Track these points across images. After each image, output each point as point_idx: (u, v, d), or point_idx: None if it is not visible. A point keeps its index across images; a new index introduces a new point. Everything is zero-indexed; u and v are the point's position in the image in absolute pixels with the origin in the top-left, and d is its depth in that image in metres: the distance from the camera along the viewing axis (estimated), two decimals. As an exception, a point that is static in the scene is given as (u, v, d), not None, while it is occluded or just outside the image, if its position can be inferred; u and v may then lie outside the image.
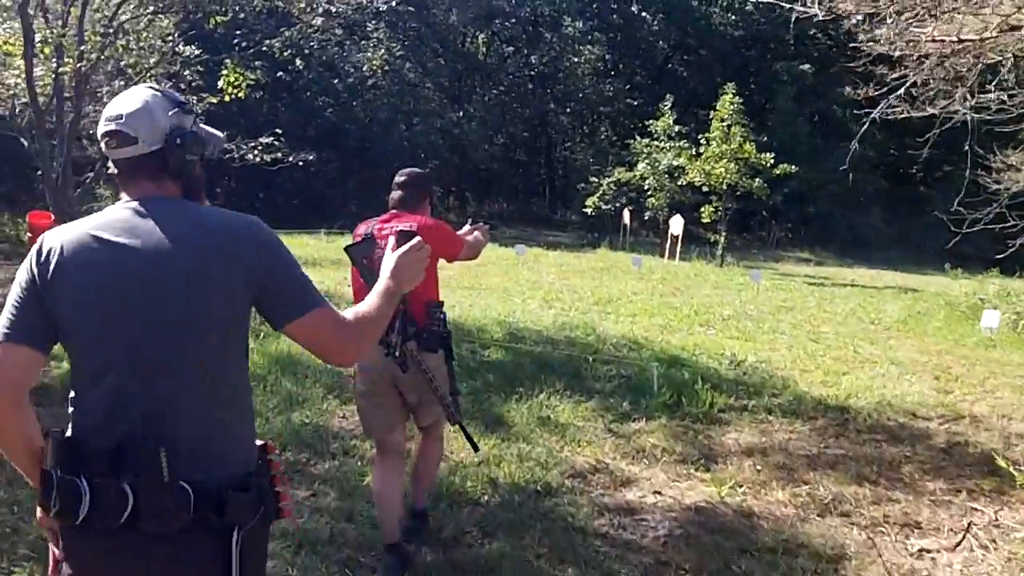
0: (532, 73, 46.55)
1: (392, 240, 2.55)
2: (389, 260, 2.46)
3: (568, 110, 48.01)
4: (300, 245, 21.05)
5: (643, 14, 48.51)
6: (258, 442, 2.31)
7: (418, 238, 2.53)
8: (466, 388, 7.94)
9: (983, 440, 7.49)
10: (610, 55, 48.66)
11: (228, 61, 14.16)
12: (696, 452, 6.63)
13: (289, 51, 14.93)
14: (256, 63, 14.86)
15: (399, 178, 4.57)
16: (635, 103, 46.27)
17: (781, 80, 41.93)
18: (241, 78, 13.95)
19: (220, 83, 14.20)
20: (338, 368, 7.38)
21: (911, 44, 13.73)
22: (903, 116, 17.41)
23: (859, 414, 8.03)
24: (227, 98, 14.19)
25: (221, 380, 2.19)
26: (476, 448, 5.05)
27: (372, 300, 2.37)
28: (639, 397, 8.07)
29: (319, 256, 17.89)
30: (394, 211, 4.48)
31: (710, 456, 6.58)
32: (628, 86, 48.19)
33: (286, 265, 2.23)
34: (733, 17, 47.58)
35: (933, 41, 13.89)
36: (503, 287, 15.75)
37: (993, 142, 20.13)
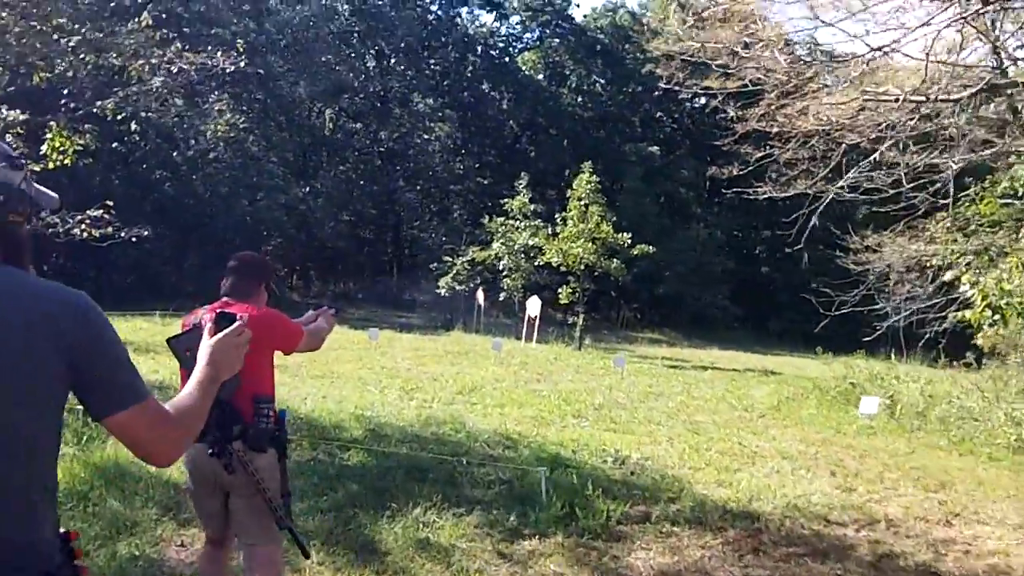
0: (381, 149, 45.68)
1: (209, 324, 2.33)
2: (205, 347, 2.27)
3: (418, 188, 47.30)
4: (134, 329, 19.31)
5: (492, 93, 48.55)
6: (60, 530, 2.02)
7: (238, 321, 2.34)
8: (326, 502, 6.81)
9: (909, 549, 6.76)
10: (460, 133, 48.32)
11: (53, 124, 12.66)
12: (605, 582, 5.62)
13: (123, 114, 13.46)
14: (86, 127, 13.31)
15: (232, 263, 4.25)
16: (485, 182, 46.01)
17: (630, 161, 42.40)
18: (68, 143, 12.48)
19: (44, 148, 12.70)
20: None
21: (789, 120, 13.46)
22: (765, 196, 17.32)
23: (770, 522, 7.20)
24: (51, 165, 12.68)
25: (43, 463, 1.94)
26: (307, 555, 4.40)
27: (190, 391, 2.16)
28: (526, 508, 7.04)
29: (153, 341, 16.20)
30: (225, 299, 4.11)
31: (622, 586, 5.59)
32: (478, 165, 47.97)
33: (112, 350, 1.99)
34: (581, 99, 48.13)
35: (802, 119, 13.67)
36: (357, 375, 14.53)
37: (847, 223, 20.30)
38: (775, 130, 13.66)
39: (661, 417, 12.68)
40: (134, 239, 15.76)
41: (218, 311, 2.47)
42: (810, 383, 17.62)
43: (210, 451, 3.71)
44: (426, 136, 46.79)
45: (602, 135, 46.27)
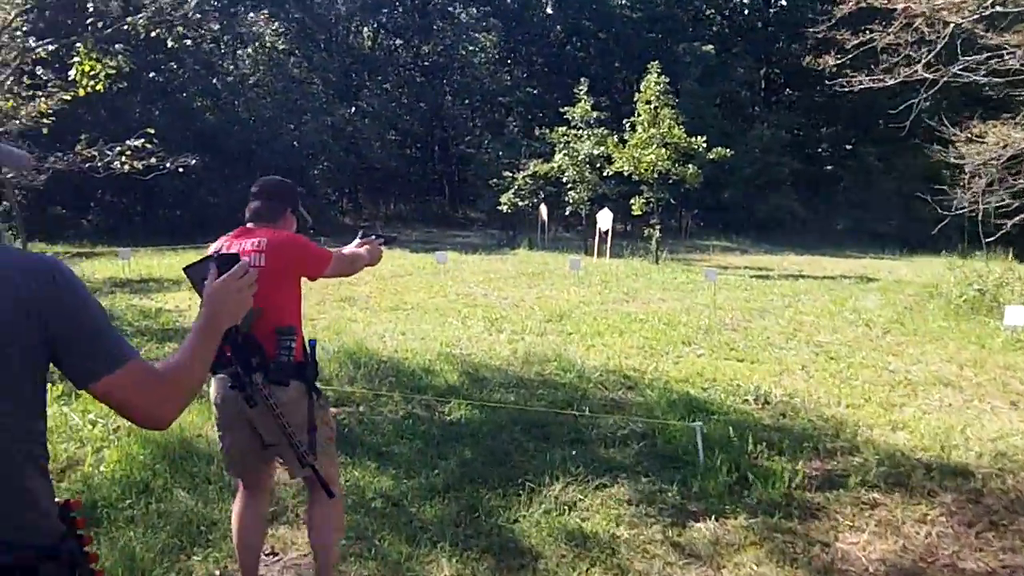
0: (425, 64, 43.94)
1: (212, 268, 2.11)
2: (209, 292, 2.06)
3: (465, 102, 45.57)
4: (186, 262, 18.19)
5: (535, -1, 46.46)
6: (57, 499, 1.88)
7: (243, 261, 2.13)
8: (439, 477, 5.59)
9: None
10: (506, 43, 46.32)
11: (80, 45, 11.34)
12: (831, 587, 4.27)
13: (158, 30, 12.08)
14: (116, 47, 11.96)
15: (254, 188, 3.98)
16: (535, 92, 44.19)
17: (684, 62, 40.12)
18: (98, 66, 11.20)
19: (72, 74, 11.45)
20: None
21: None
22: (861, 88, 15.80)
23: (986, 478, 5.82)
24: (82, 92, 11.44)
25: (23, 438, 1.77)
26: (331, 495, 3.79)
27: (188, 343, 1.96)
28: (684, 474, 5.75)
29: (208, 277, 15.08)
30: (249, 226, 3.86)
31: (855, 593, 4.24)
32: (526, 74, 46.10)
33: (91, 313, 1.82)
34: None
35: None
36: (433, 305, 13.23)
37: (938, 115, 18.40)
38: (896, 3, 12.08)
39: (779, 339, 11.27)
40: (180, 169, 14.74)
41: (219, 253, 2.40)
42: (925, 291, 16.02)
43: (230, 384, 3.49)
44: (471, 47, 44.91)
45: (652, 36, 43.99)
